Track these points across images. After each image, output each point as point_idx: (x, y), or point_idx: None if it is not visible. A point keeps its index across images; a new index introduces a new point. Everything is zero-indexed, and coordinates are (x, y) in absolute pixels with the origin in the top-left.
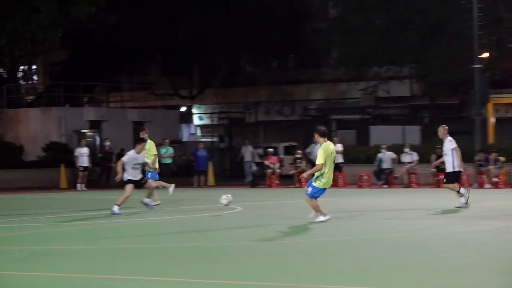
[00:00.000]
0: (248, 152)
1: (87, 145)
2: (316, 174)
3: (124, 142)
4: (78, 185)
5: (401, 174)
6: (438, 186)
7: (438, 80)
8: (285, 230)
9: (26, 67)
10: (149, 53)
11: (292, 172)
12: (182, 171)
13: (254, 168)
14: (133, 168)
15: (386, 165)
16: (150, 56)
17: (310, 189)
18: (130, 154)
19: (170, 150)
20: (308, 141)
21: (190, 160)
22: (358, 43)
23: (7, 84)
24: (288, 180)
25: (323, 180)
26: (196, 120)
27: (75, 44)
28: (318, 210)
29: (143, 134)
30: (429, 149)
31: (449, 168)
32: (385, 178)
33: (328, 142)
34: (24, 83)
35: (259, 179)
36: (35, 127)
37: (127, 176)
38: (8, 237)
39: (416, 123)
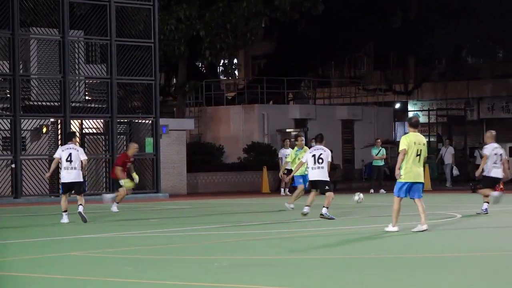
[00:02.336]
0: (448, 154)
1: (291, 146)
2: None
3: (333, 142)
4: (282, 190)
5: None
6: None
7: None
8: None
9: (226, 61)
10: (360, 45)
11: None
12: (394, 174)
13: (456, 172)
14: None
15: None
16: (361, 48)
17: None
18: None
19: (383, 151)
20: None
21: None
22: None
23: (206, 79)
24: None
25: (402, 172)
26: None
27: (279, 35)
28: (394, 215)
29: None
30: None
31: None
32: None
33: (417, 133)
34: (224, 78)
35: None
36: (236, 126)
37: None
38: (207, 246)
39: None
